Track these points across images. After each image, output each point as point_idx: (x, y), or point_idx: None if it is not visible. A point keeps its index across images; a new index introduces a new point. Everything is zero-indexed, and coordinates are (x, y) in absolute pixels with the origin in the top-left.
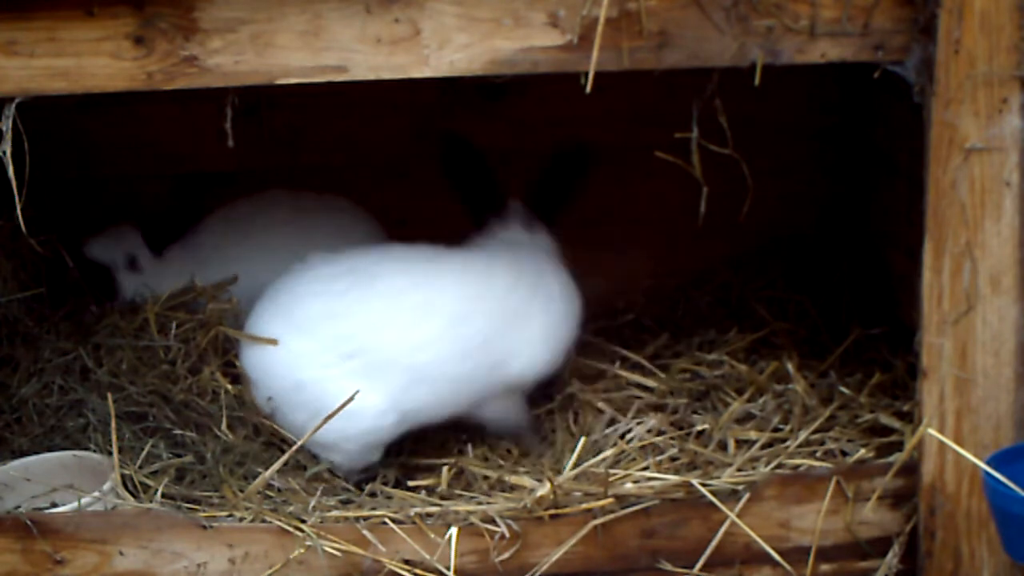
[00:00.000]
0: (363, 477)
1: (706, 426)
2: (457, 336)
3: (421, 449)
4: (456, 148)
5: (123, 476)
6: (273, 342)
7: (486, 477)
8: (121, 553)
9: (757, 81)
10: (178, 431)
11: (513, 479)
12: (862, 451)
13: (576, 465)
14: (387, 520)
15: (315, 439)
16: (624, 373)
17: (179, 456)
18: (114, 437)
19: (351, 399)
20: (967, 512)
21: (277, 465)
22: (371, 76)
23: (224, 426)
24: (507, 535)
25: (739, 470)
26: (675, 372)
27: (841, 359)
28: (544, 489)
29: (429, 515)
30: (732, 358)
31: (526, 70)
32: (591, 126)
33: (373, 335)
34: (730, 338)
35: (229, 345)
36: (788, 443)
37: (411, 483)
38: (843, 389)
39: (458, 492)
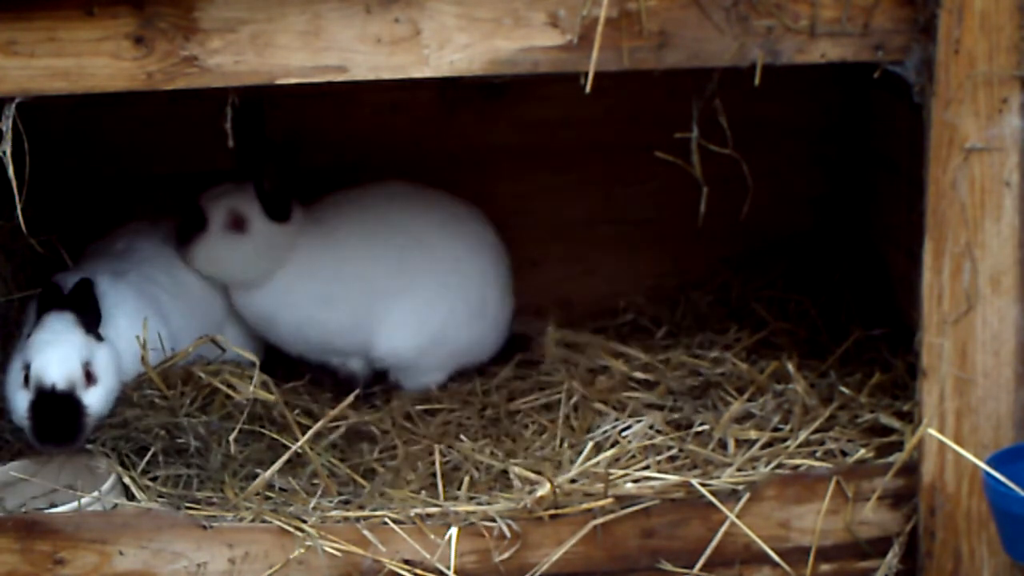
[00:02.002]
0: None
1: (706, 426)
2: None
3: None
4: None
5: (123, 477)
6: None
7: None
8: (121, 553)
9: (757, 81)
10: (181, 440)
11: (518, 471)
12: (862, 451)
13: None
14: (387, 520)
15: None
16: (623, 368)
17: (180, 456)
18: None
19: (353, 395)
20: (967, 512)
21: (277, 465)
22: (371, 76)
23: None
24: (507, 535)
25: (739, 470)
26: (674, 370)
27: (841, 359)
28: (544, 489)
29: (429, 515)
30: (733, 357)
31: (526, 70)
32: (591, 126)
33: None
34: (730, 338)
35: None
36: (788, 443)
37: None
38: (843, 389)
39: (458, 492)
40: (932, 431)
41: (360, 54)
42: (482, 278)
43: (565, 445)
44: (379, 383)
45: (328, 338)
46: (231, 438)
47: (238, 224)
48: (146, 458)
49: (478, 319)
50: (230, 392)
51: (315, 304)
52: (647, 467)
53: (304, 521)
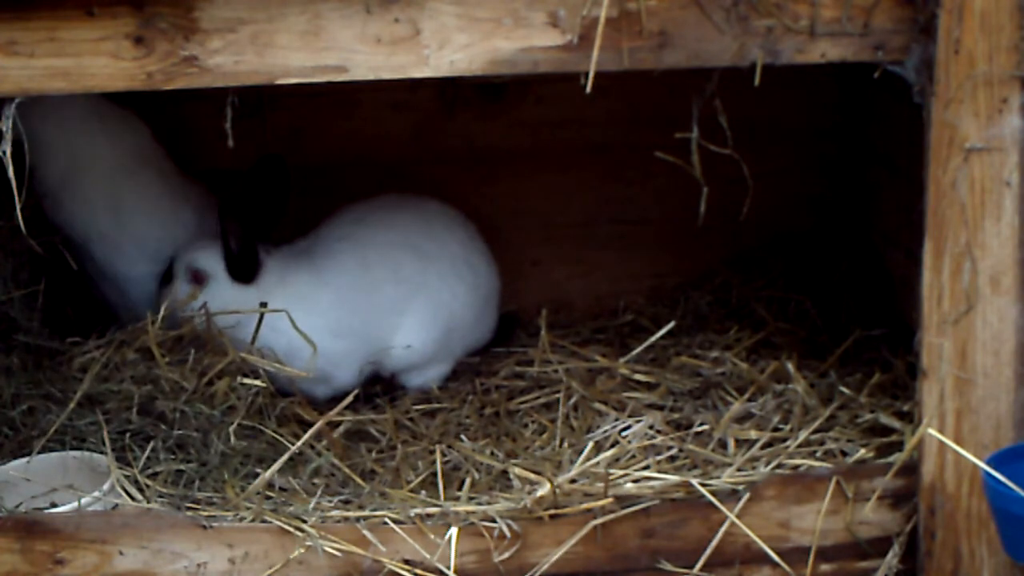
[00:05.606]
0: None
1: (706, 426)
2: None
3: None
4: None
5: (123, 476)
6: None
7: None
8: (121, 553)
9: (757, 81)
10: (180, 432)
11: (518, 471)
12: (862, 451)
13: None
14: (387, 520)
15: None
16: (624, 371)
17: (180, 455)
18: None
19: (353, 394)
20: (967, 512)
21: (277, 465)
22: (371, 76)
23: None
24: (507, 535)
25: (739, 470)
26: (675, 370)
27: (841, 359)
28: (544, 489)
29: (429, 515)
30: (733, 357)
31: (526, 70)
32: (591, 126)
33: None
34: (730, 338)
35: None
36: (788, 443)
37: None
38: (843, 389)
39: (458, 492)
40: (932, 431)
41: (360, 54)
42: (470, 255)
43: (565, 445)
44: (379, 383)
45: (336, 363)
46: (231, 429)
47: (198, 279)
48: (146, 453)
49: (473, 292)
50: (242, 382)
51: (331, 337)
52: (647, 467)
53: (304, 521)
